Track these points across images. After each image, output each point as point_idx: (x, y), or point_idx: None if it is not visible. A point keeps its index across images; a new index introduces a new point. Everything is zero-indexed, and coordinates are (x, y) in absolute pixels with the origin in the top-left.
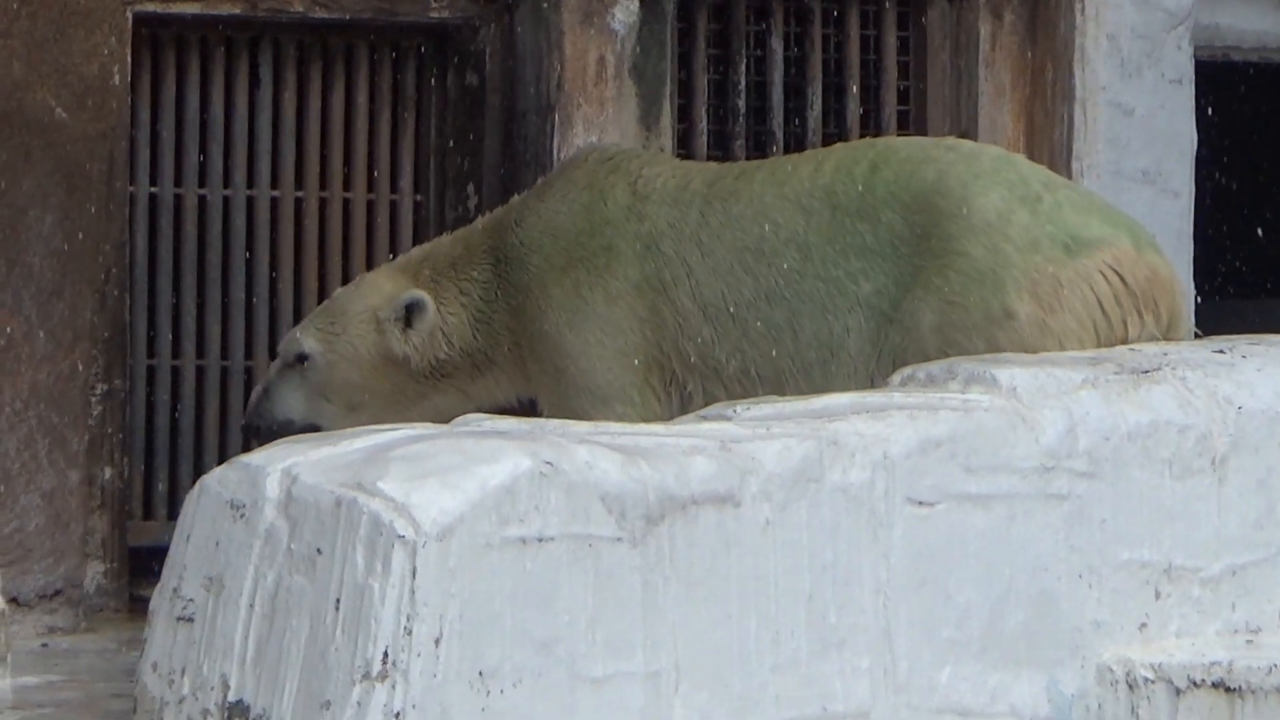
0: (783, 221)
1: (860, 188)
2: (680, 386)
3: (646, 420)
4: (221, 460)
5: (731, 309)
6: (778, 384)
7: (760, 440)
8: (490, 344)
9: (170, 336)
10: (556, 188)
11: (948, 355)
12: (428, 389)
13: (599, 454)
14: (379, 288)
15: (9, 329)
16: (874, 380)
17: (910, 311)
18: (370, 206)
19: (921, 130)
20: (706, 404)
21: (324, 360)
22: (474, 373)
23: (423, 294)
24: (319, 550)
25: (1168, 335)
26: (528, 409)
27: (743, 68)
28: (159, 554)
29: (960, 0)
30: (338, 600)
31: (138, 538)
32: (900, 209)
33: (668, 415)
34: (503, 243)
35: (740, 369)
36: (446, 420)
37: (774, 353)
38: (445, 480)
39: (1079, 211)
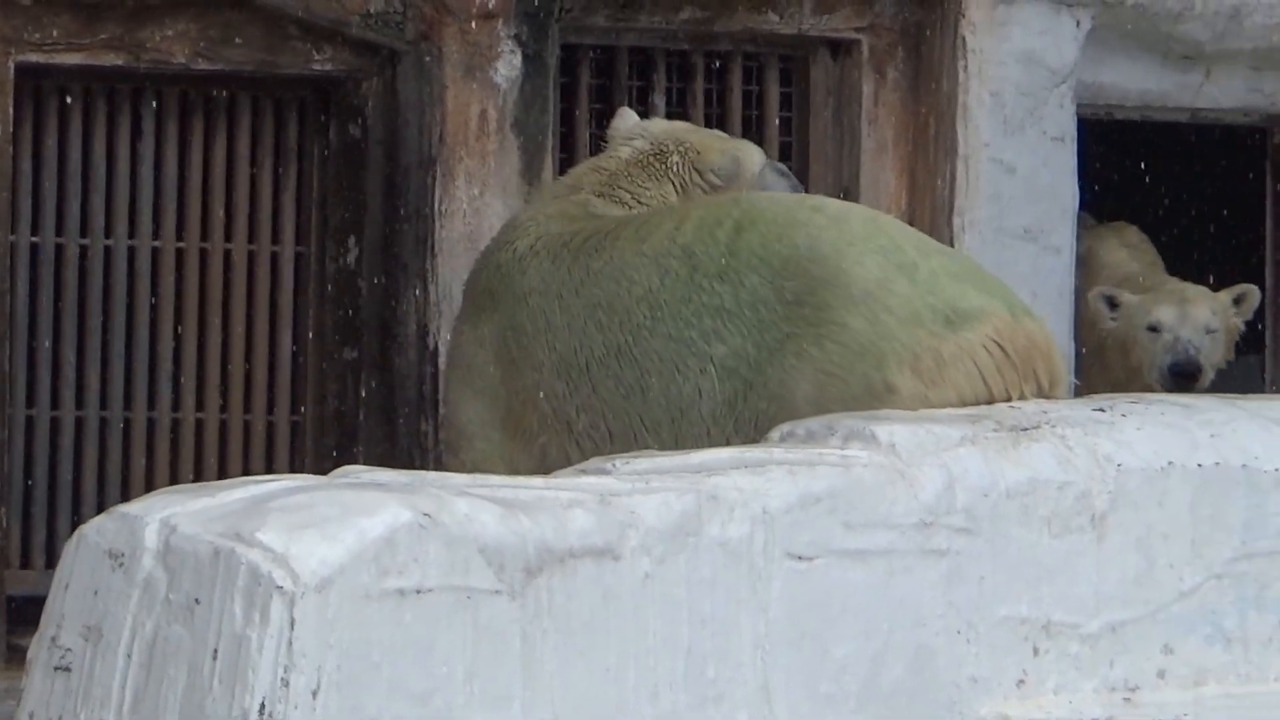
0: (637, 278)
1: (724, 249)
2: (534, 437)
3: (505, 460)
4: (100, 510)
5: (584, 364)
6: (627, 441)
7: (639, 494)
8: None
9: (50, 386)
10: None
11: None
12: None
13: (478, 506)
14: None
15: None
16: (730, 442)
17: (781, 380)
18: (251, 257)
19: (804, 185)
20: (558, 457)
21: None
22: None
23: None
24: (197, 600)
25: (1048, 398)
26: None
27: None
28: (37, 603)
29: (843, 56)
30: (215, 650)
31: (15, 586)
32: (768, 273)
33: (529, 461)
34: None
35: (590, 424)
36: None
37: (624, 410)
38: (324, 531)
39: (955, 280)
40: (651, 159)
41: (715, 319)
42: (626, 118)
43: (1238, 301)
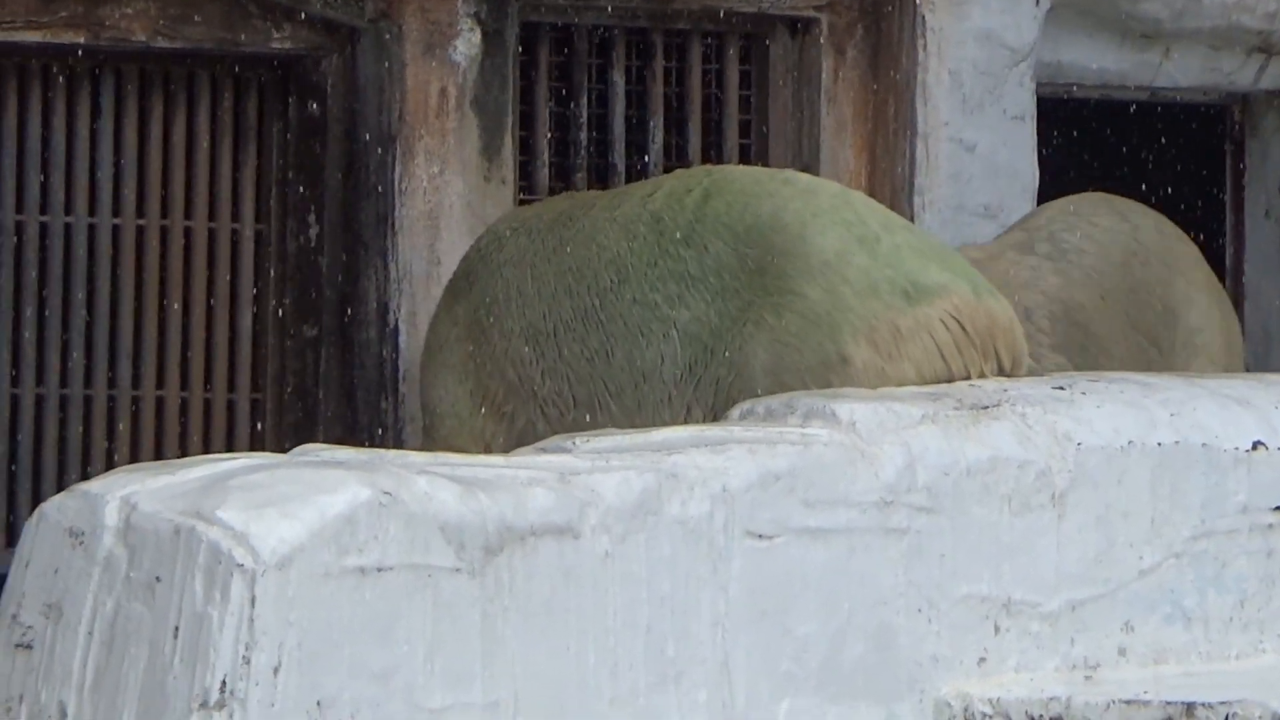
0: (607, 244)
1: (690, 215)
2: (501, 406)
3: (476, 434)
4: (60, 488)
5: (551, 329)
6: (591, 407)
7: (599, 473)
8: None
9: (10, 364)
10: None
11: None
12: None
13: (438, 485)
14: None
15: None
16: (690, 409)
17: (740, 348)
18: (211, 235)
19: (764, 164)
20: (524, 426)
21: None
22: None
23: None
24: (158, 578)
25: (1010, 377)
26: None
27: (584, 100)
28: None
29: (803, 34)
30: (176, 628)
31: None
32: (732, 240)
33: (502, 436)
34: None
35: (555, 390)
36: None
37: (588, 375)
38: (284, 509)
39: (918, 256)
40: None
41: (680, 284)
42: None
43: None
